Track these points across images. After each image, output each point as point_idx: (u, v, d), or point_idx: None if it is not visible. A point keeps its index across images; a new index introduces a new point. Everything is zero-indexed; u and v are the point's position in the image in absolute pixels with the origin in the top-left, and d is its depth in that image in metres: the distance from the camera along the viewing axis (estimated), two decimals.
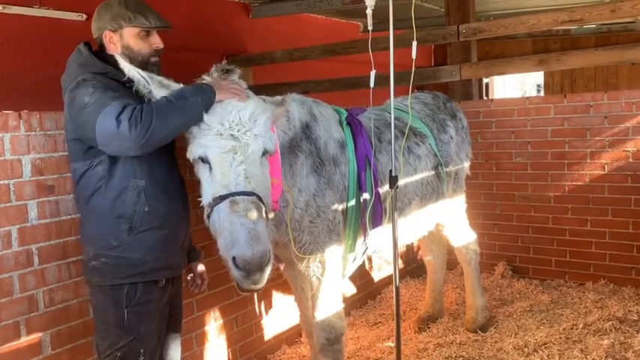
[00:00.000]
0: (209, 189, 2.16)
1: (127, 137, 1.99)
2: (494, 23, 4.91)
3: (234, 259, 2.04)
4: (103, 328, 2.25)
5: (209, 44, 5.96)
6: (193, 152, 2.17)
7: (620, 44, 8.48)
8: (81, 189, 2.23)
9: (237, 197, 2.05)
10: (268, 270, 2.09)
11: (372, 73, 2.56)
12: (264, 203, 2.11)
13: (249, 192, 2.07)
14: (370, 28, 2.50)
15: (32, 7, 4.44)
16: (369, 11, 2.48)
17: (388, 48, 2.63)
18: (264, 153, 2.20)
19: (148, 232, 2.21)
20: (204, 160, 2.15)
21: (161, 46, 2.41)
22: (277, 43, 6.47)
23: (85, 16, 4.74)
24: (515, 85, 16.04)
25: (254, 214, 2.04)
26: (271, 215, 2.19)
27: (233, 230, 2.03)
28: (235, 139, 2.11)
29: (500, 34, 4.91)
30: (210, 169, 2.14)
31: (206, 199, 2.17)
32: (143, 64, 2.32)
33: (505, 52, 9.30)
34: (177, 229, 2.34)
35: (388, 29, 2.56)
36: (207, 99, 2.14)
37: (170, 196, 2.28)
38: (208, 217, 2.15)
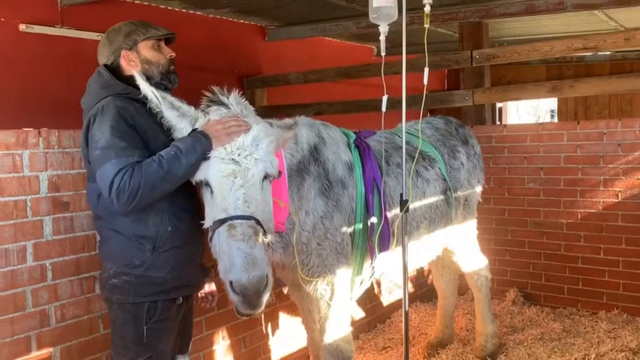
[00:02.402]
0: (210, 212, 2.18)
1: (115, 204, 2.08)
2: (507, 49, 4.96)
3: (231, 283, 2.05)
4: (121, 345, 2.27)
5: (225, 65, 6.08)
6: (196, 176, 2.19)
7: (635, 72, 8.51)
8: (102, 209, 2.26)
9: (235, 221, 2.06)
10: (266, 295, 2.09)
11: (384, 98, 2.59)
12: (263, 227, 2.11)
13: (247, 216, 2.07)
14: (383, 54, 2.54)
15: (54, 26, 4.57)
16: (382, 38, 2.51)
17: (401, 72, 2.67)
18: (266, 177, 2.21)
19: (170, 251, 2.25)
20: (205, 183, 2.18)
21: (173, 54, 2.51)
22: (292, 65, 6.58)
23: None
24: (529, 111, 16.05)
25: (251, 239, 2.04)
26: (269, 238, 2.17)
27: (230, 254, 2.05)
28: (236, 163, 2.14)
29: (513, 60, 4.97)
30: (212, 192, 2.16)
31: (207, 222, 2.20)
32: (164, 74, 2.42)
33: (519, 77, 9.34)
34: (196, 247, 2.38)
35: (401, 53, 2.60)
36: (201, 155, 2.14)
37: (190, 214, 2.32)
38: (210, 239, 2.17)
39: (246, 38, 6.33)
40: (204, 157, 2.15)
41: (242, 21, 6.19)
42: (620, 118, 5.48)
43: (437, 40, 7.04)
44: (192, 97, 2.59)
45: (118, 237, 2.24)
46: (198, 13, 5.69)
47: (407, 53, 2.62)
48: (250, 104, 6.52)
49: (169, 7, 5.41)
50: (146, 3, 5.19)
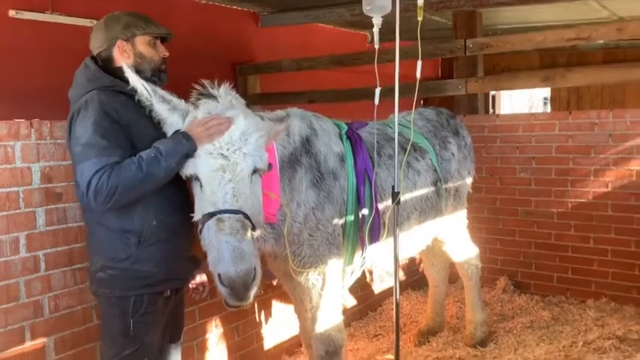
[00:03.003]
0: (200, 206, 2.20)
1: (92, 203, 2.09)
2: (501, 39, 4.95)
3: (219, 275, 2.08)
4: (109, 337, 2.30)
5: (218, 52, 6.04)
6: (185, 170, 2.20)
7: (628, 60, 8.54)
8: (85, 204, 2.26)
9: (223, 215, 2.08)
10: (254, 288, 2.12)
11: (377, 91, 2.60)
12: (251, 221, 2.13)
13: (235, 210, 2.09)
14: (377, 46, 2.54)
15: (44, 12, 4.52)
16: (375, 29, 2.51)
17: (394, 60, 2.66)
18: (255, 171, 2.22)
19: (156, 244, 2.26)
20: (195, 177, 2.19)
21: (167, 54, 2.49)
22: (285, 51, 6.54)
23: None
24: (522, 99, 16.04)
25: (239, 233, 2.06)
26: (257, 232, 2.20)
27: (219, 248, 2.07)
28: (224, 158, 2.15)
29: (506, 50, 4.96)
30: (201, 186, 2.17)
31: (197, 215, 2.21)
32: (155, 71, 2.41)
33: (512, 65, 9.35)
34: (183, 241, 2.38)
35: (395, 40, 2.59)
36: (182, 158, 2.15)
37: (176, 208, 2.32)
38: (200, 232, 2.18)
39: (239, 24, 6.28)
40: (188, 157, 2.16)
41: (235, 7, 6.14)
42: (611, 108, 5.50)
43: (431, 27, 7.01)
44: (184, 84, 2.58)
45: (103, 231, 2.25)
46: None
47: (401, 40, 2.62)
48: (243, 92, 6.50)
49: None
50: None
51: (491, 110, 9.70)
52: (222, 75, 6.56)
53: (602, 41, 8.16)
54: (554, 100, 9.76)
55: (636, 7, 5.95)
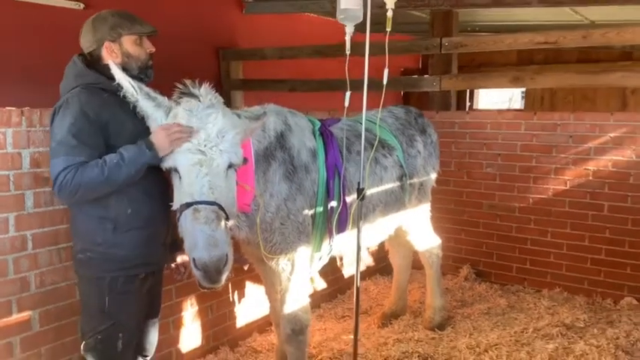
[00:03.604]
0: (178, 196, 2.39)
1: (57, 196, 2.33)
2: (475, 39, 5.17)
3: (194, 260, 2.29)
4: (86, 313, 2.51)
5: (202, 37, 6.13)
6: (166, 163, 2.39)
7: (602, 61, 8.85)
8: None
9: (199, 206, 2.28)
10: (226, 272, 2.33)
11: (347, 94, 2.79)
12: (225, 212, 2.34)
13: (211, 201, 2.30)
14: (348, 52, 2.72)
15: None
16: (347, 38, 2.70)
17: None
18: (230, 166, 2.42)
19: (131, 231, 2.45)
20: (174, 170, 2.38)
21: (153, 49, 2.63)
22: (269, 38, 6.66)
23: (82, 5, 4.91)
24: (500, 91, 16.32)
25: (213, 222, 2.27)
26: (231, 222, 2.40)
27: (194, 235, 2.28)
28: (202, 154, 2.34)
29: (480, 50, 5.18)
30: (180, 178, 2.37)
31: (175, 204, 2.41)
32: (142, 69, 2.56)
33: (490, 60, 9.58)
34: (159, 228, 2.57)
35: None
36: (143, 166, 2.34)
37: (152, 197, 2.50)
38: (178, 220, 2.38)
39: (223, 10, 6.37)
40: (150, 163, 2.35)
41: None
42: (573, 110, 5.79)
43: (411, 20, 7.20)
44: (170, 66, 2.72)
45: (82, 216, 2.44)
46: None
47: (381, 33, 2.73)
48: (225, 77, 6.58)
49: None
50: None
51: (468, 103, 9.94)
52: (205, 59, 6.70)
53: None
54: (529, 96, 10.05)
55: (605, 12, 6.21)
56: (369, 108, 3.23)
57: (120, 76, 2.38)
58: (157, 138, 2.34)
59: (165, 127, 2.35)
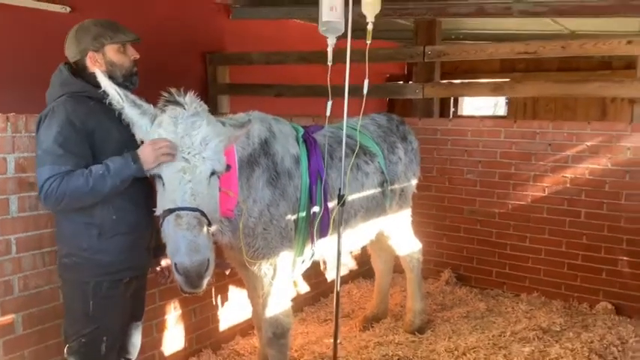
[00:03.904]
0: (161, 202, 2.44)
1: (43, 204, 2.38)
2: (457, 48, 5.29)
3: (175, 265, 2.34)
4: (70, 317, 2.55)
5: (189, 41, 6.18)
6: (150, 170, 2.43)
7: (581, 69, 9.04)
8: None
9: (181, 212, 2.33)
10: (207, 277, 2.38)
11: (329, 104, 2.86)
12: (207, 218, 2.39)
13: (193, 208, 2.34)
14: (330, 63, 2.79)
15: None
16: (329, 49, 2.78)
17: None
18: (213, 173, 2.47)
19: (116, 237, 2.49)
20: (158, 176, 2.43)
21: (137, 56, 2.68)
22: (256, 43, 6.72)
23: (68, 9, 4.94)
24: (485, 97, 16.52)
25: (195, 228, 2.32)
26: (213, 228, 2.45)
27: (176, 241, 2.33)
28: (186, 161, 2.39)
29: (462, 59, 5.31)
30: (164, 185, 2.42)
31: (158, 210, 2.46)
32: (127, 76, 2.60)
33: (474, 67, 9.75)
34: (143, 233, 2.62)
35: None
36: (128, 178, 2.39)
37: (136, 204, 2.55)
38: (161, 225, 2.43)
39: (211, 15, 6.43)
40: (135, 175, 2.40)
41: None
42: (552, 119, 5.92)
43: (396, 27, 7.30)
44: (157, 71, 2.75)
45: (68, 222, 2.48)
46: None
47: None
48: (212, 81, 6.62)
49: None
50: None
51: (452, 109, 10.08)
52: (192, 64, 6.75)
53: None
54: (512, 103, 10.23)
55: (583, 22, 6.37)
56: (353, 115, 3.32)
57: (106, 84, 2.42)
58: (144, 152, 2.37)
59: (153, 142, 2.39)
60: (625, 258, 4.64)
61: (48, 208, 2.36)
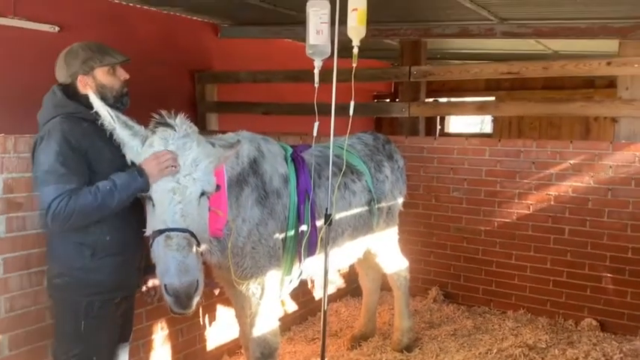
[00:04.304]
0: (151, 222, 2.46)
1: (50, 225, 2.35)
2: (442, 68, 5.41)
3: (165, 286, 2.36)
4: (60, 336, 2.54)
5: (177, 59, 6.24)
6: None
7: (566, 88, 9.21)
8: None
9: (171, 233, 2.35)
10: (196, 297, 2.39)
11: (316, 125, 2.91)
12: (197, 238, 2.41)
13: (182, 229, 2.37)
14: (317, 85, 2.85)
15: (6, 17, 4.64)
16: (316, 71, 2.83)
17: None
18: (203, 194, 2.50)
19: (108, 257, 2.51)
20: (149, 197, 2.45)
21: (127, 77, 2.71)
22: (244, 61, 6.79)
23: (57, 28, 4.97)
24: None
25: (184, 249, 2.34)
26: (202, 248, 2.47)
27: (166, 261, 2.34)
28: (176, 182, 2.42)
29: (447, 79, 5.43)
30: (154, 205, 2.44)
31: (148, 231, 2.48)
32: (117, 98, 2.63)
33: (460, 85, 9.90)
34: (134, 254, 2.63)
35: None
36: (134, 192, 2.41)
37: (129, 224, 2.56)
38: (151, 246, 2.45)
39: (199, 34, 6.50)
40: (142, 191, 2.41)
41: (195, 18, 6.36)
42: (535, 138, 6.03)
43: (383, 47, 7.41)
44: (146, 88, 2.75)
45: (61, 242, 2.49)
46: (152, 8, 5.83)
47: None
48: (200, 99, 6.66)
49: (123, 2, 5.54)
50: None
51: (439, 127, 10.21)
52: (180, 82, 6.79)
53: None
54: (497, 121, 10.37)
55: (567, 43, 6.51)
56: (340, 133, 3.37)
57: (98, 106, 2.46)
58: (149, 166, 2.40)
59: (157, 156, 2.42)
60: (609, 274, 4.71)
61: (55, 227, 2.35)
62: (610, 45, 5.50)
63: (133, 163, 2.48)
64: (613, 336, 4.59)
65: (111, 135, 2.49)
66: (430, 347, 4.40)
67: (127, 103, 2.68)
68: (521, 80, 9.59)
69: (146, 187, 2.41)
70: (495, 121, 10.51)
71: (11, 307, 2.78)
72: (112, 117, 2.46)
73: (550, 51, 7.02)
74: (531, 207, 5.00)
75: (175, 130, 2.51)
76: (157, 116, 2.54)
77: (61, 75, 2.58)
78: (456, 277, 5.42)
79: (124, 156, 2.52)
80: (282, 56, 7.23)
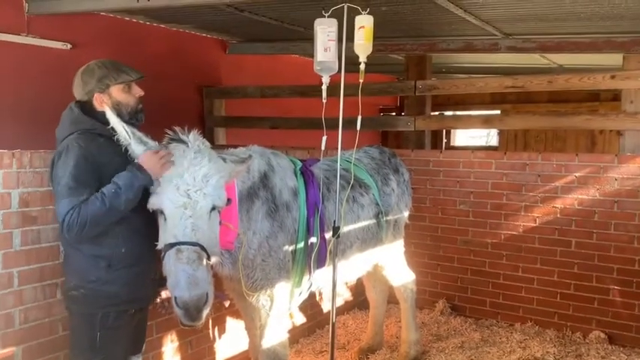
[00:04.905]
0: (163, 236, 2.53)
1: (66, 236, 2.44)
2: (447, 82, 5.47)
3: (175, 298, 2.41)
4: (76, 347, 2.60)
5: (186, 75, 6.33)
6: (152, 204, 2.52)
7: (571, 101, 9.25)
8: None
9: (182, 246, 2.41)
10: (206, 310, 2.45)
11: (324, 139, 2.97)
12: (207, 252, 2.47)
13: (193, 242, 2.43)
14: (324, 101, 2.91)
15: (20, 34, 4.74)
16: (324, 87, 2.90)
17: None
18: (213, 209, 2.56)
19: (123, 269, 2.57)
20: (160, 212, 2.52)
21: (142, 93, 2.78)
22: (251, 77, 6.88)
23: (69, 46, 5.08)
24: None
25: (195, 262, 2.39)
26: (213, 261, 2.53)
27: (177, 274, 2.40)
28: (187, 197, 2.48)
29: (452, 93, 5.48)
30: (165, 219, 2.50)
31: (160, 244, 2.54)
32: (132, 114, 2.70)
33: (466, 98, 9.95)
34: (148, 266, 2.69)
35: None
36: (139, 190, 2.48)
37: (143, 236, 2.62)
38: (162, 259, 2.50)
39: (207, 50, 6.60)
40: (145, 188, 2.48)
41: (204, 35, 6.47)
42: (541, 151, 6.06)
43: (389, 62, 7.50)
44: (155, 103, 2.82)
45: (77, 255, 2.55)
46: (161, 26, 5.95)
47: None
48: (208, 114, 6.74)
49: (134, 20, 5.65)
50: (112, 15, 5.41)
51: (444, 140, 10.25)
52: (189, 97, 6.88)
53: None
54: (503, 133, 10.40)
55: (571, 57, 6.57)
56: (347, 146, 3.44)
57: (114, 122, 2.54)
58: (149, 162, 2.47)
59: (154, 152, 2.49)
60: (616, 287, 4.71)
61: (71, 238, 2.42)
62: (614, 59, 5.55)
63: (132, 162, 2.53)
64: (621, 349, 4.58)
65: (126, 150, 2.56)
66: None
67: (142, 119, 2.75)
68: (527, 93, 9.59)
69: (149, 182, 2.47)
70: (501, 134, 10.55)
71: (25, 318, 2.84)
72: (127, 133, 2.53)
73: (555, 65, 7.08)
74: (537, 219, 5.02)
75: (188, 146, 2.57)
76: (170, 132, 2.60)
77: (78, 92, 2.66)
78: (463, 290, 5.43)
79: None
80: (289, 71, 7.32)
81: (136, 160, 2.52)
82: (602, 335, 4.73)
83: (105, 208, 2.40)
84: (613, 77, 4.56)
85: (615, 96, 8.39)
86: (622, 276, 4.67)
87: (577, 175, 4.83)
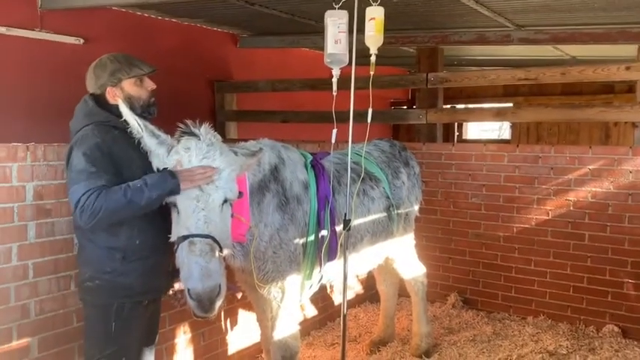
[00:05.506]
0: (176, 228, 2.54)
1: (78, 219, 2.42)
2: (459, 75, 5.43)
3: (188, 290, 2.43)
4: (92, 338, 2.63)
5: (197, 70, 6.36)
6: (166, 198, 2.51)
7: (584, 93, 9.15)
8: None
9: (195, 239, 2.43)
10: (219, 302, 2.46)
11: (334, 132, 2.97)
12: (219, 244, 2.48)
13: (206, 235, 2.44)
14: (335, 93, 2.91)
15: (33, 29, 4.79)
16: (334, 80, 2.89)
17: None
18: (225, 201, 2.57)
19: (138, 261, 2.59)
20: (173, 204, 2.53)
21: (154, 87, 2.79)
22: (262, 71, 6.90)
23: (82, 41, 5.12)
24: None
25: (207, 254, 2.41)
26: (225, 253, 2.54)
27: (189, 266, 2.42)
28: (199, 190, 2.49)
29: (464, 85, 5.44)
30: (178, 212, 2.52)
31: (173, 236, 2.55)
32: (145, 107, 2.72)
33: (478, 91, 9.88)
34: (163, 257, 2.71)
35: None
36: (166, 193, 2.46)
37: (158, 228, 2.64)
38: (175, 251, 2.52)
39: (219, 44, 6.62)
40: (171, 193, 2.46)
41: (215, 28, 6.48)
42: (554, 144, 6.00)
43: (401, 54, 7.47)
44: (166, 98, 2.84)
45: (92, 246, 2.57)
46: (173, 20, 5.97)
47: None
48: (220, 108, 6.77)
49: (146, 14, 5.67)
50: (123, 10, 5.44)
51: (456, 133, 10.20)
52: (200, 91, 6.92)
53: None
54: (516, 127, 10.33)
55: (584, 48, 6.50)
56: (358, 139, 3.43)
57: (127, 114, 2.55)
58: (181, 174, 2.47)
59: (189, 169, 2.49)
60: (630, 280, 4.67)
61: (82, 222, 2.40)
62: (629, 50, 5.49)
63: (164, 168, 2.55)
64: (635, 342, 4.54)
65: (139, 142, 2.58)
66: (449, 353, 4.40)
67: (155, 112, 2.76)
68: (540, 86, 9.51)
69: (177, 189, 2.46)
70: (514, 126, 10.47)
71: (40, 310, 2.88)
72: (139, 126, 2.55)
73: (568, 56, 7.00)
74: (550, 212, 4.98)
75: (200, 140, 2.59)
76: (182, 126, 2.62)
77: (91, 86, 2.68)
78: (474, 283, 5.42)
79: (151, 163, 2.60)
80: (300, 65, 7.32)
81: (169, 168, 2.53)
82: (616, 329, 4.70)
83: (124, 200, 2.39)
84: (628, 68, 4.50)
85: (630, 87, 8.27)
86: (636, 269, 4.62)
87: (590, 167, 4.78)
